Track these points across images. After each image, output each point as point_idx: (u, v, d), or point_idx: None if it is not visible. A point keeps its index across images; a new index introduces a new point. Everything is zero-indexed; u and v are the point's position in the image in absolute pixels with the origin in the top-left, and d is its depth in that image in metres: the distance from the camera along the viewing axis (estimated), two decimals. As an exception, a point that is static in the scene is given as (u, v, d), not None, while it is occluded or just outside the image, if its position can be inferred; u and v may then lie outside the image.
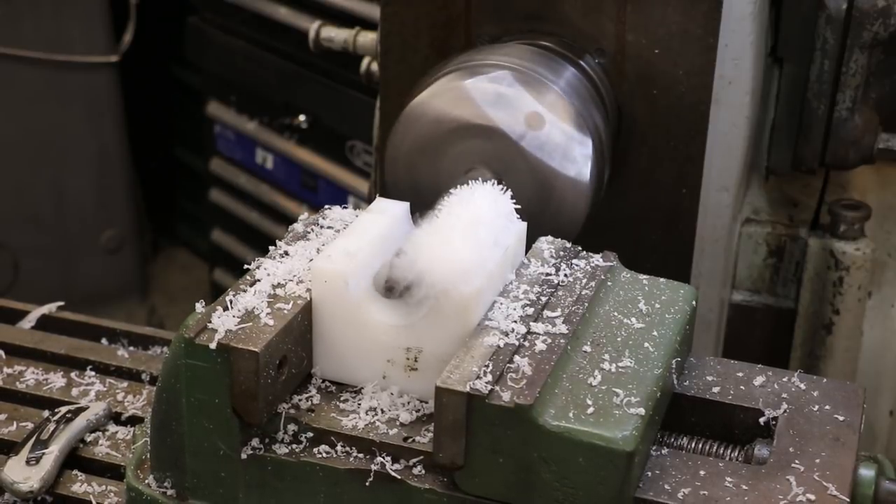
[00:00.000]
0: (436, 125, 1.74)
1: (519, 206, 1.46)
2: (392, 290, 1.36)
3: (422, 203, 1.49)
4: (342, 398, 1.38)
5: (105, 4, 4.06)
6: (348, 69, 3.15)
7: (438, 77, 1.77)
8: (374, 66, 2.29)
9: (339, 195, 3.62)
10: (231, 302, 1.34)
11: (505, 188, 1.45)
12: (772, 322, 2.16)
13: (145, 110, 4.52)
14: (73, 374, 1.76)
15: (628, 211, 1.99)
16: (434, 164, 1.75)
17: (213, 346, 1.28)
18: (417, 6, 1.99)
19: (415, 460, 1.30)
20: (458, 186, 1.45)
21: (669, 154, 1.94)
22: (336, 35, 2.40)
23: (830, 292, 2.08)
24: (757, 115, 2.01)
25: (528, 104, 1.72)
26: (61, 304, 1.93)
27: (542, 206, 1.71)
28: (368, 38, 2.34)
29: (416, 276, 1.32)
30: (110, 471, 1.56)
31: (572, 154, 1.72)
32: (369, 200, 1.83)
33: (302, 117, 3.76)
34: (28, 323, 1.90)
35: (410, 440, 1.31)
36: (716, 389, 1.43)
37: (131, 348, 1.83)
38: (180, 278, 4.86)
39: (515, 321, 1.34)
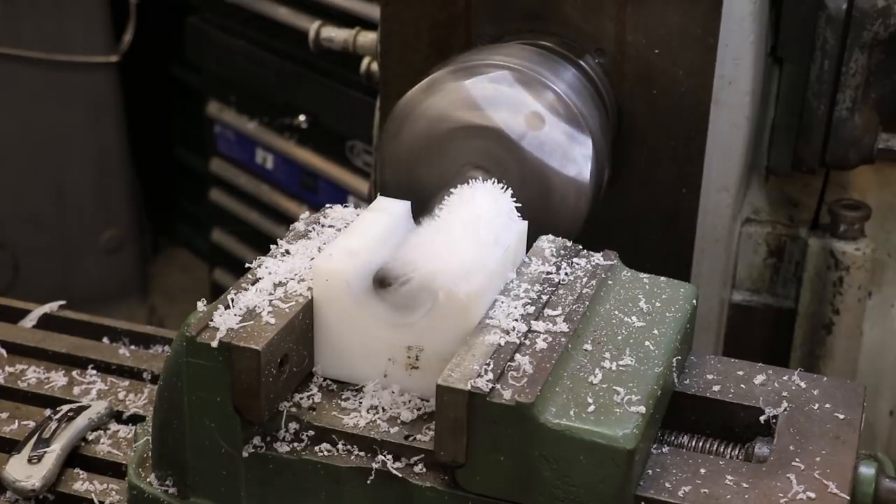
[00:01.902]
0: (435, 125, 1.74)
1: (519, 206, 1.46)
2: (383, 283, 1.35)
3: (420, 203, 1.49)
4: (343, 396, 1.38)
5: (105, 4, 4.05)
6: (348, 69, 3.15)
7: (438, 77, 1.77)
8: (374, 66, 2.29)
9: (339, 195, 3.61)
10: (233, 300, 1.34)
11: (505, 187, 1.45)
12: (772, 322, 2.16)
13: (145, 110, 4.51)
14: (74, 373, 1.76)
15: (628, 211, 1.99)
16: (433, 165, 1.75)
17: (214, 344, 1.29)
18: (417, 6, 1.99)
19: (416, 458, 1.30)
20: (458, 186, 1.45)
21: (669, 154, 1.94)
22: (336, 35, 2.40)
23: (830, 292, 2.08)
24: (757, 115, 2.02)
25: (527, 104, 1.71)
26: (62, 302, 1.93)
27: (542, 206, 1.71)
28: (368, 38, 2.34)
29: (416, 275, 1.32)
30: (112, 469, 1.57)
31: (572, 154, 1.72)
32: (369, 200, 1.83)
33: (302, 117, 3.75)
34: (29, 322, 1.90)
35: (412, 438, 1.31)
36: (716, 388, 1.43)
37: (133, 347, 1.83)
38: (180, 278, 4.85)
39: (516, 319, 1.35)
